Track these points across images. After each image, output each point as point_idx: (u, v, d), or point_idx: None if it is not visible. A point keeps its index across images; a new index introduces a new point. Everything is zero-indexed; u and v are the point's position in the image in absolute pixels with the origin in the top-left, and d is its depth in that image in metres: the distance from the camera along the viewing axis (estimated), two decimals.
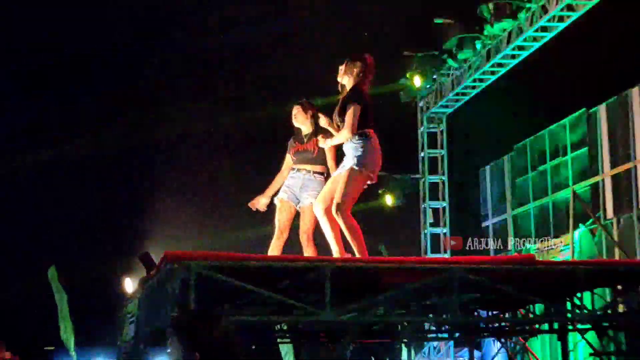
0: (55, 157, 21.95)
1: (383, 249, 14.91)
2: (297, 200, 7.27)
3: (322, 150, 7.26)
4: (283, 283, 6.38)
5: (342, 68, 6.82)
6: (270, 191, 7.46)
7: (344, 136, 6.65)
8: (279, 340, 11.78)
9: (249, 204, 7.48)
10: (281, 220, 7.27)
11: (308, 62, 16.86)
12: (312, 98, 7.68)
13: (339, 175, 6.73)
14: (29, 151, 21.89)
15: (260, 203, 7.46)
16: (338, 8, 17.01)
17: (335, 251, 6.83)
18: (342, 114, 6.69)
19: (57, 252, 21.44)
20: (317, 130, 7.24)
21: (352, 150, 6.64)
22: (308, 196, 7.17)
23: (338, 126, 6.80)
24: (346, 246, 6.85)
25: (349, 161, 6.65)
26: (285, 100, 7.86)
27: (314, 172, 7.26)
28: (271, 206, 7.45)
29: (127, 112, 20.75)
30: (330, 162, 7.21)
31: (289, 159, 7.47)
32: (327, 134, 7.05)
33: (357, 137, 6.65)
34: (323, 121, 6.98)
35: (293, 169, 7.35)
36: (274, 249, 7.25)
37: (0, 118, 21.58)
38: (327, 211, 6.68)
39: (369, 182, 6.78)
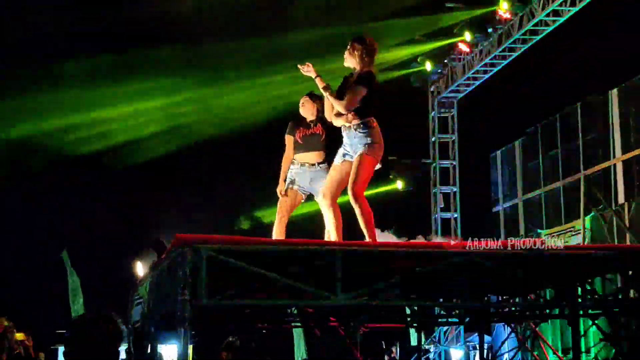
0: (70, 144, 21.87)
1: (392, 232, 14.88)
2: (306, 192, 7.36)
3: (327, 135, 7.38)
4: (294, 267, 6.39)
5: (350, 55, 6.87)
6: (283, 175, 7.56)
7: (340, 108, 6.71)
8: (291, 324, 11.82)
9: (280, 194, 7.55)
10: (284, 206, 7.37)
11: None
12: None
13: (344, 163, 6.79)
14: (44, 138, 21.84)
15: (282, 190, 7.56)
16: None
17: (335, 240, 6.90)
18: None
19: (70, 236, 21.55)
20: (322, 118, 7.37)
21: (359, 138, 6.69)
22: (321, 185, 7.26)
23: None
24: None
25: (358, 148, 6.68)
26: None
27: (318, 164, 7.36)
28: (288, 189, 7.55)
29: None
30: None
31: (291, 140, 7.52)
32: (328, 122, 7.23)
33: (362, 126, 6.71)
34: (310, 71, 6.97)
35: (294, 162, 7.43)
36: (277, 233, 7.32)
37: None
38: (334, 202, 6.80)
39: (376, 168, 6.84)
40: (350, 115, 6.74)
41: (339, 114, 6.83)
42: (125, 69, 19.28)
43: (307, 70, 6.91)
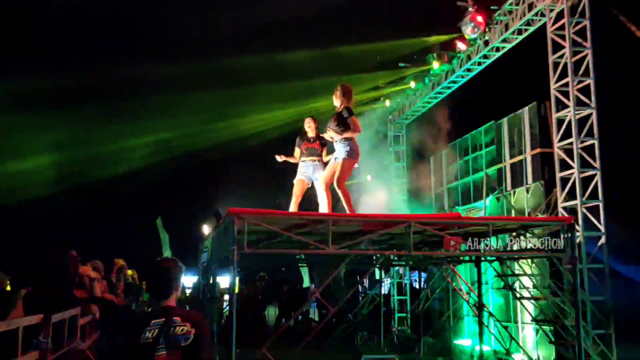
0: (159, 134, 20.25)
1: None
2: (310, 179, 7.43)
3: (321, 146, 7.49)
4: (303, 229, 6.41)
5: (335, 95, 6.84)
6: (287, 158, 7.58)
7: (355, 134, 6.73)
8: (299, 264, 11.82)
9: (277, 156, 7.56)
10: (297, 191, 7.41)
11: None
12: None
13: (335, 163, 6.82)
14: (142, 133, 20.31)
15: (280, 157, 7.55)
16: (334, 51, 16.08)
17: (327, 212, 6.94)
18: (337, 122, 6.75)
19: (162, 207, 21.54)
20: (318, 135, 7.45)
21: (342, 147, 6.71)
22: (320, 175, 7.31)
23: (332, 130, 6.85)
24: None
25: (342, 154, 6.71)
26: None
27: (318, 161, 7.43)
28: (291, 177, 7.56)
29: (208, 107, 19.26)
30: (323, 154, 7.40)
31: (298, 151, 7.56)
32: (324, 139, 7.26)
33: (344, 139, 6.71)
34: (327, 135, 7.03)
35: (304, 160, 7.50)
36: (293, 208, 7.36)
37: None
38: (327, 187, 6.83)
39: (354, 167, 6.88)
40: (337, 135, 6.76)
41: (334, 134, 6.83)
42: None
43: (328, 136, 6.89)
